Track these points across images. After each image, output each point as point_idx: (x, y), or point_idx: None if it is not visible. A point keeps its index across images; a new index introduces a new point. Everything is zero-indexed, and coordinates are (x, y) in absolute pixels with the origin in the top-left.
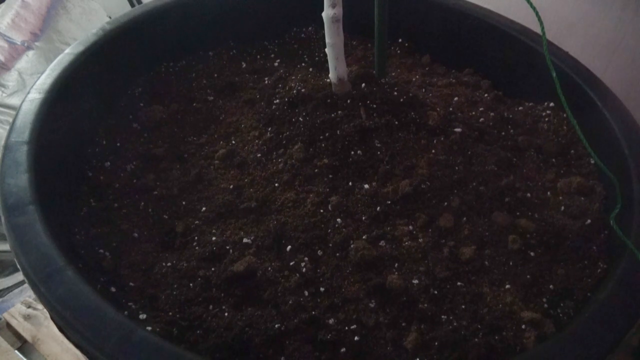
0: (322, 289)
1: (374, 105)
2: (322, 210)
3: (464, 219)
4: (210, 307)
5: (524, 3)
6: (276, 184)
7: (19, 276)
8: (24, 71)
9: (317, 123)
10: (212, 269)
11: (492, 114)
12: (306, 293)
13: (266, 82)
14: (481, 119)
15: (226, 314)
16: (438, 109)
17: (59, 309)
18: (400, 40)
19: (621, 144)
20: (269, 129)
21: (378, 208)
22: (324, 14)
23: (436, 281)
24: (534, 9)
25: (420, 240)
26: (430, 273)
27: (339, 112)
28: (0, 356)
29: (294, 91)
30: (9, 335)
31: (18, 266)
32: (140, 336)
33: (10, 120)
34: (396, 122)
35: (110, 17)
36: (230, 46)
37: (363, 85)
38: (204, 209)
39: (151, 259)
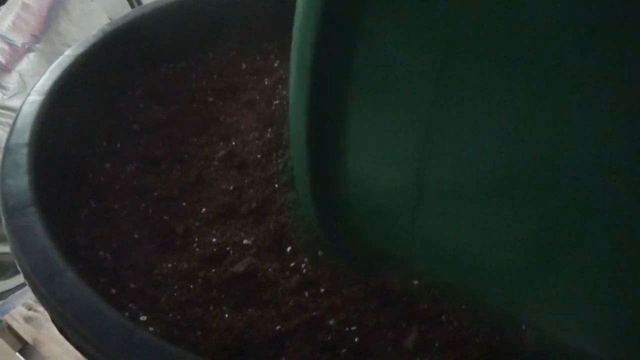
0: (322, 290)
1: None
2: None
3: None
4: (211, 308)
5: None
6: (276, 185)
7: (20, 278)
8: (25, 73)
9: None
10: (213, 270)
11: None
12: (307, 294)
13: (266, 83)
14: None
15: (227, 315)
16: None
17: (59, 310)
18: None
19: None
20: (269, 129)
21: None
22: None
23: (436, 281)
24: None
25: None
26: (431, 273)
27: None
28: (1, 358)
29: None
30: (10, 337)
31: (19, 268)
32: (140, 337)
33: (11, 122)
34: None
35: (110, 19)
36: (229, 47)
37: None
38: (204, 210)
39: (152, 260)
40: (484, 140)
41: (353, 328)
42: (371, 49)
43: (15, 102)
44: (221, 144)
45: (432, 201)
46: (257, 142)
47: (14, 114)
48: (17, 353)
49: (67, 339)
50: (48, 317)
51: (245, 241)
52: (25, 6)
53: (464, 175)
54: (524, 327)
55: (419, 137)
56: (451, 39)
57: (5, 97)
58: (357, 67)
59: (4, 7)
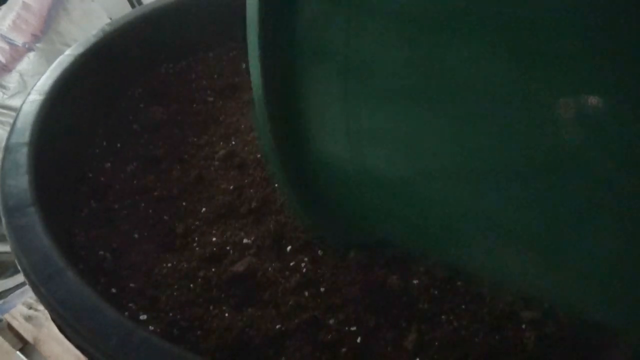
0: (322, 289)
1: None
2: None
3: None
4: (211, 307)
5: None
6: (276, 185)
7: (20, 277)
8: (25, 72)
9: None
10: (213, 269)
11: None
12: (306, 293)
13: None
14: None
15: (227, 315)
16: None
17: (59, 310)
18: None
19: None
20: None
21: None
22: None
23: (436, 281)
24: None
25: None
26: (430, 273)
27: None
28: (2, 357)
29: None
30: (10, 336)
31: (19, 267)
32: (140, 337)
33: (11, 121)
34: None
35: (110, 19)
36: (230, 47)
37: None
38: (204, 209)
39: (152, 260)
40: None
41: (353, 328)
42: (305, 20)
43: (15, 102)
44: (221, 143)
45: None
46: (257, 141)
47: (14, 114)
48: (17, 352)
49: (67, 338)
50: (48, 316)
51: (245, 241)
52: (25, 6)
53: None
54: (523, 326)
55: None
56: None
57: (5, 96)
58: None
59: (4, 7)
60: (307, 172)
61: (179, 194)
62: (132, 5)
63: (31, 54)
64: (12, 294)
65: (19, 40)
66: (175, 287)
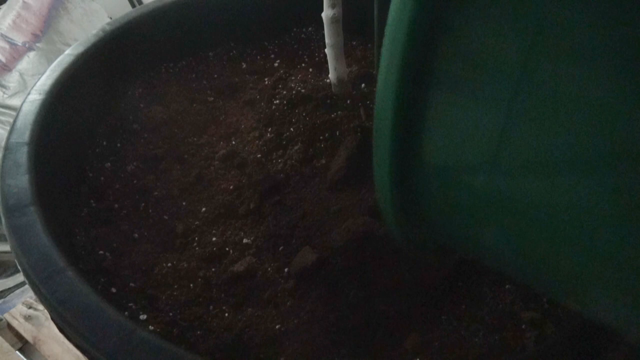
0: (322, 290)
1: (374, 106)
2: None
3: None
4: (211, 307)
5: None
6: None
7: (20, 277)
8: (25, 72)
9: (317, 123)
10: (213, 269)
11: None
12: (306, 293)
13: (266, 82)
14: None
15: (226, 315)
16: None
17: (59, 309)
18: None
19: None
20: (269, 129)
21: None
22: (323, 15)
23: (436, 281)
24: None
25: None
26: (431, 273)
27: (339, 112)
28: (1, 357)
29: (294, 92)
30: (10, 336)
31: (19, 267)
32: (140, 336)
33: (11, 121)
34: None
35: (111, 18)
36: (230, 47)
37: (363, 85)
38: (204, 209)
39: (151, 260)
40: (564, 124)
41: (353, 328)
42: (456, 43)
43: (15, 101)
44: (221, 143)
45: (508, 184)
46: (257, 141)
47: (14, 113)
48: (17, 352)
49: (67, 338)
50: (48, 315)
51: (245, 241)
52: (26, 5)
53: (540, 157)
54: (523, 326)
55: (498, 124)
56: (537, 29)
57: (5, 96)
58: (442, 61)
59: (4, 6)
60: (422, 186)
61: (179, 194)
62: (133, 5)
63: (31, 54)
64: (12, 294)
65: (19, 39)
66: (175, 287)
